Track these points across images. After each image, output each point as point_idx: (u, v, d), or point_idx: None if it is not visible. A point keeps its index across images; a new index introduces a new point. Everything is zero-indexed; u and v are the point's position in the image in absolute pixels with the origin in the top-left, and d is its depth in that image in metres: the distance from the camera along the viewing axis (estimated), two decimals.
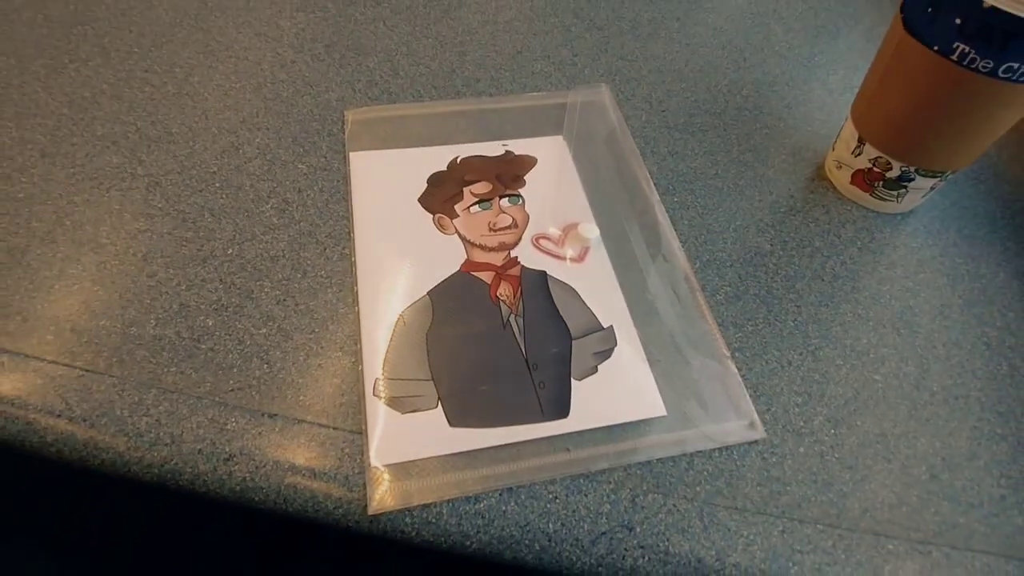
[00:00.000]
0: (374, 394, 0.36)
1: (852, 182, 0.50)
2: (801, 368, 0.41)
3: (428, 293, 0.41)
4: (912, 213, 0.50)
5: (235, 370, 0.37)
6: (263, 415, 0.36)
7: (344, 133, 0.50)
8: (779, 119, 0.56)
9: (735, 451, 0.37)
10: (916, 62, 0.41)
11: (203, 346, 0.38)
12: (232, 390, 0.36)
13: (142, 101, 0.51)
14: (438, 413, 0.36)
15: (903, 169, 0.46)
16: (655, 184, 0.49)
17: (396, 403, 0.36)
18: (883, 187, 0.48)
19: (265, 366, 0.38)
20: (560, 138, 0.52)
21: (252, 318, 0.39)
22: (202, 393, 0.36)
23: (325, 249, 0.43)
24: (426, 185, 0.47)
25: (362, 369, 0.37)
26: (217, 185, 0.46)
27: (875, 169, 0.48)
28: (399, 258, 0.43)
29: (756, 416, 0.38)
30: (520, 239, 0.45)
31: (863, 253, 0.47)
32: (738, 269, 0.45)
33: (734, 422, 0.37)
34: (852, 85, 0.60)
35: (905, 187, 0.47)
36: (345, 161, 0.49)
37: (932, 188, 0.48)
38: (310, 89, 0.54)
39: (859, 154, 0.48)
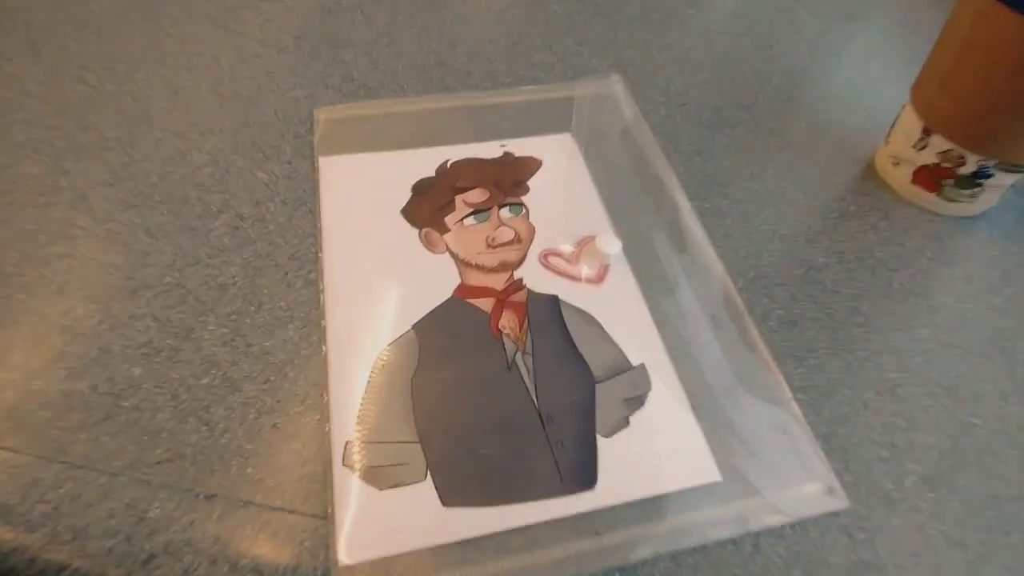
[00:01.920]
0: (344, 464, 0.28)
1: (914, 180, 0.42)
2: (881, 411, 0.33)
3: (413, 327, 0.33)
4: (985, 216, 0.43)
5: (164, 435, 0.29)
6: (198, 496, 0.27)
7: (313, 135, 0.43)
8: (817, 111, 0.49)
9: (812, 526, 0.29)
10: (1002, 32, 0.34)
11: (125, 404, 0.30)
12: (159, 462, 0.28)
13: (74, 102, 0.43)
14: (427, 488, 0.28)
15: (980, 164, 0.39)
16: (682, 188, 0.41)
17: (373, 475, 0.28)
18: (954, 186, 0.40)
19: (204, 428, 0.29)
20: (568, 136, 0.44)
21: (191, 365, 0.31)
22: (119, 467, 0.28)
23: (286, 274, 0.35)
24: (411, 194, 0.39)
25: (329, 430, 0.29)
26: (157, 198, 0.38)
27: (944, 165, 0.40)
28: (378, 284, 0.35)
29: (834, 478, 0.30)
30: (525, 257, 0.37)
31: (934, 265, 0.39)
32: (790, 288, 0.37)
33: (807, 486, 0.29)
34: (894, 73, 0.52)
35: (981, 185, 0.40)
36: (314, 168, 0.41)
37: (1012, 186, 0.40)
38: (274, 86, 0.46)
39: (923, 147, 0.40)
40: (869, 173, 0.45)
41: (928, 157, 0.40)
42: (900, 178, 0.43)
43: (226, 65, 0.47)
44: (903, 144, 0.42)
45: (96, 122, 0.42)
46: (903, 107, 0.42)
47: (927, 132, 0.40)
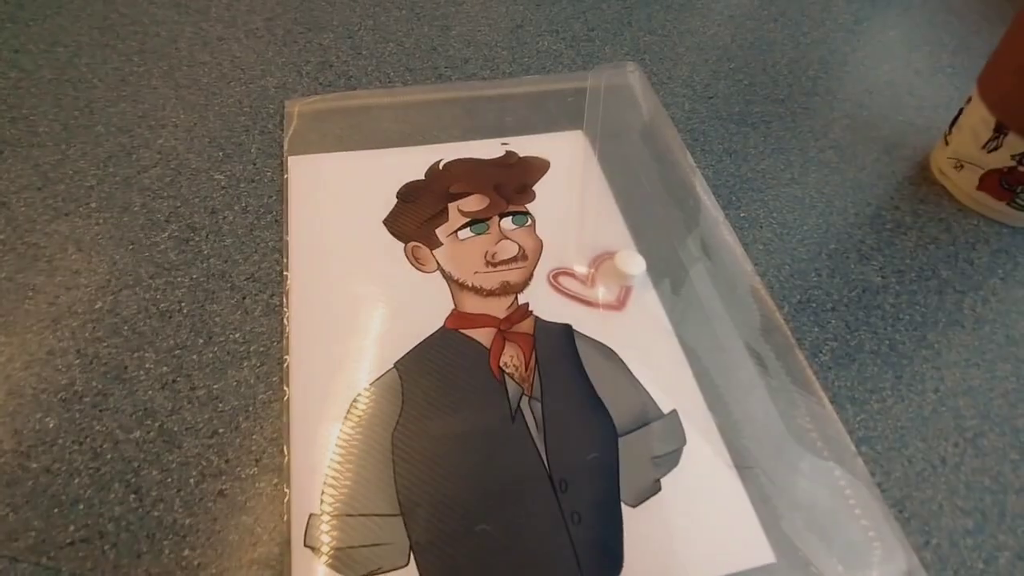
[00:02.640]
0: (307, 544, 0.22)
1: (981, 187, 0.36)
2: (961, 468, 0.27)
3: (396, 365, 0.27)
4: None
5: (81, 507, 0.23)
6: None
7: (283, 130, 0.37)
8: (860, 107, 0.43)
9: None
10: None
11: (33, 465, 0.24)
12: (71, 543, 0.22)
13: (3, 90, 0.37)
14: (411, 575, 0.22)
15: None
16: (714, 194, 0.36)
17: (344, 559, 0.22)
18: None
19: (132, 497, 0.23)
20: (580, 133, 0.38)
21: (120, 414, 0.25)
22: (20, 550, 0.22)
23: (244, 299, 0.29)
24: (396, 201, 0.33)
25: (289, 499, 0.23)
26: (92, 205, 0.32)
27: (1020, 168, 0.34)
28: (354, 311, 0.29)
29: (914, 556, 0.24)
30: (531, 277, 0.31)
31: (1010, 286, 0.34)
32: (843, 314, 0.32)
33: (879, 568, 0.24)
34: (944, 64, 0.47)
35: None
36: (282, 168, 0.35)
37: None
38: (240, 73, 0.40)
39: (996, 148, 0.35)
40: (924, 177, 0.39)
41: (1001, 159, 0.35)
42: (964, 183, 0.37)
43: (184, 49, 0.41)
44: (969, 144, 0.36)
45: (27, 113, 0.36)
46: (967, 102, 0.37)
47: (1000, 130, 0.34)
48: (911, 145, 0.41)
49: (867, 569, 0.24)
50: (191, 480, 0.24)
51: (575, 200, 0.34)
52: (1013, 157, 0.34)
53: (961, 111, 0.37)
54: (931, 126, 0.42)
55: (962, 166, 0.37)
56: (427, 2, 0.47)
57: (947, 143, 0.38)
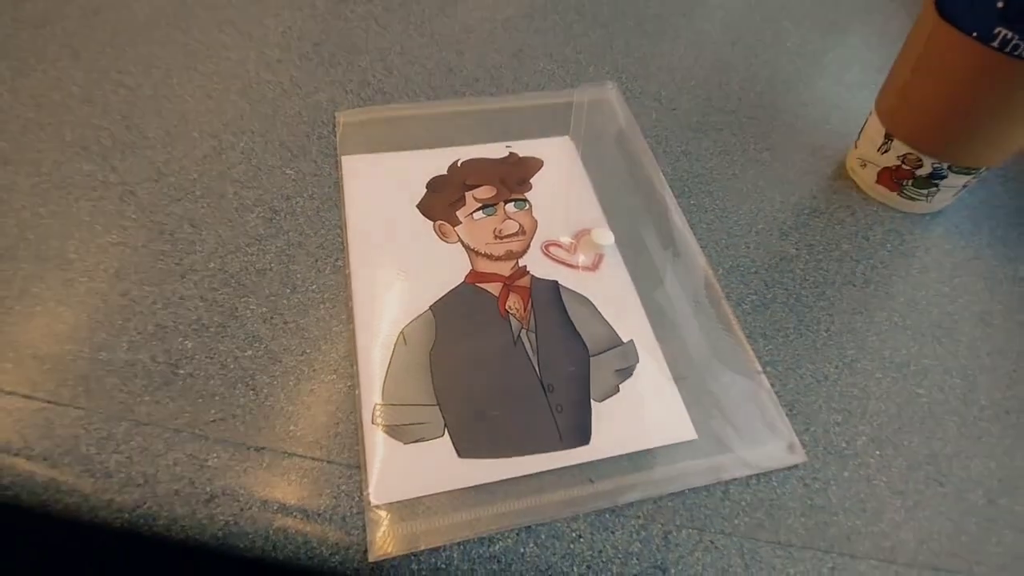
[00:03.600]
0: (373, 423, 0.33)
1: (878, 181, 0.47)
2: (838, 383, 0.37)
3: (431, 307, 0.37)
4: (941, 213, 0.47)
5: (217, 398, 0.33)
6: (249, 449, 0.32)
7: (335, 136, 0.47)
8: (796, 117, 0.53)
9: (774, 477, 0.33)
10: (952, 50, 0.39)
11: (181, 372, 0.34)
12: (214, 421, 0.33)
13: (116, 104, 0.47)
14: (445, 443, 0.32)
15: (935, 166, 0.43)
16: (670, 186, 0.46)
17: (397, 432, 0.32)
18: (912, 186, 0.45)
19: (251, 393, 0.34)
20: (567, 138, 0.48)
21: (236, 339, 0.36)
22: (180, 425, 0.32)
23: (316, 261, 0.40)
24: (425, 190, 0.44)
25: (359, 394, 0.34)
26: (198, 193, 0.42)
27: (904, 167, 0.45)
28: (398, 270, 0.39)
29: (795, 437, 0.34)
30: (528, 247, 0.41)
31: (894, 257, 0.44)
32: (763, 275, 0.42)
33: (771, 445, 0.34)
34: (868, 81, 0.57)
35: (936, 185, 0.44)
36: (337, 166, 0.45)
37: (964, 186, 0.45)
38: (298, 90, 0.50)
39: (886, 151, 0.45)
40: (840, 174, 0.49)
41: (890, 160, 0.45)
42: (866, 178, 0.47)
43: (252, 70, 0.51)
44: (869, 148, 0.46)
45: (138, 122, 0.46)
46: (869, 114, 0.47)
47: (889, 137, 0.44)
48: (833, 148, 0.51)
49: (762, 445, 0.34)
50: (290, 382, 0.34)
51: (562, 189, 0.45)
52: (898, 157, 0.44)
53: (865, 122, 0.48)
54: (850, 133, 0.52)
55: (865, 165, 0.47)
56: (445, 31, 0.57)
57: (856, 146, 0.48)
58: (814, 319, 0.40)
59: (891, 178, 0.46)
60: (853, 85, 0.57)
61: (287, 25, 0.56)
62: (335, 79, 0.51)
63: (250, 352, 0.35)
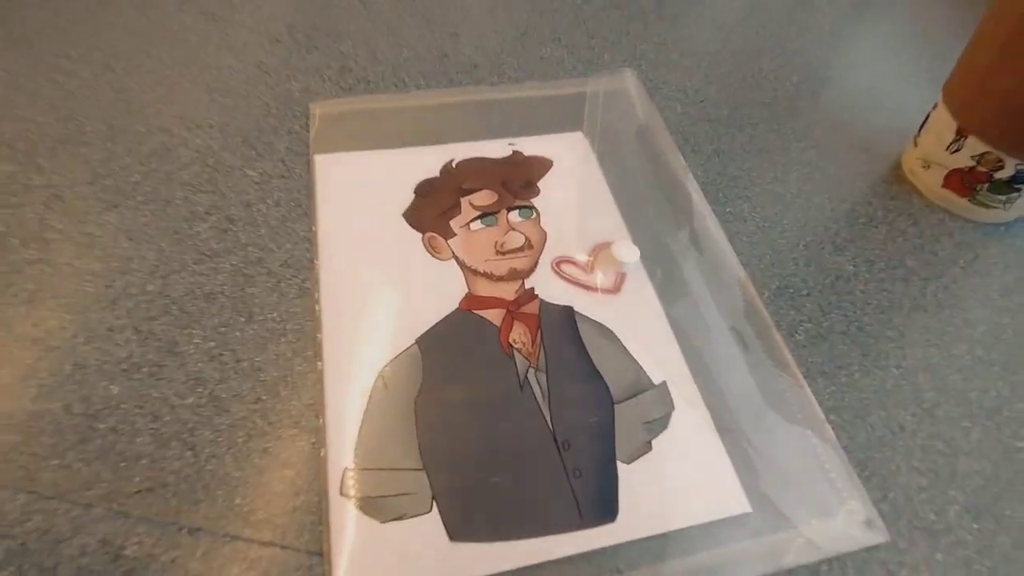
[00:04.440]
0: (342, 493, 0.26)
1: (945, 185, 0.40)
2: (918, 434, 0.30)
3: (417, 341, 0.30)
4: (1017, 222, 0.40)
5: (144, 462, 0.26)
6: (181, 530, 0.25)
7: (309, 131, 0.40)
8: (841, 109, 0.46)
9: (851, 562, 0.26)
10: None
11: (102, 426, 0.27)
12: (138, 492, 0.26)
13: (49, 93, 0.40)
14: (433, 521, 0.25)
15: (1020, 168, 0.36)
16: (702, 190, 0.39)
17: (374, 507, 0.25)
18: (988, 190, 0.38)
19: (188, 453, 0.27)
20: (580, 134, 0.41)
21: (174, 383, 0.29)
22: (93, 498, 0.25)
23: (279, 283, 0.33)
24: (413, 196, 0.37)
25: (325, 455, 0.27)
26: (139, 198, 0.35)
27: (979, 168, 0.38)
28: (378, 293, 0.32)
29: (873, 509, 0.27)
30: (536, 264, 0.34)
31: (968, 275, 0.37)
32: (817, 298, 0.35)
33: (843, 518, 0.27)
34: (922, 69, 0.50)
35: (1019, 190, 0.38)
36: (309, 167, 0.38)
37: None
38: (267, 77, 0.43)
39: (957, 150, 0.38)
40: (896, 176, 0.42)
41: (962, 160, 0.38)
42: (930, 182, 0.40)
43: (213, 54, 0.44)
44: (934, 146, 0.40)
45: (74, 114, 0.39)
46: (934, 107, 0.40)
47: (961, 134, 0.38)
48: (886, 146, 0.44)
49: (831, 518, 0.27)
50: (239, 439, 0.27)
51: (575, 195, 0.38)
52: (973, 158, 0.38)
53: (928, 116, 0.41)
54: (906, 128, 0.45)
55: (929, 166, 0.40)
56: (438, 10, 0.50)
57: (916, 145, 0.41)
58: (882, 353, 0.33)
59: (962, 181, 0.39)
60: (901, 75, 0.50)
61: (258, 5, 0.49)
62: (311, 65, 0.44)
63: (191, 399, 0.28)
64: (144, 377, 0.29)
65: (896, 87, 0.49)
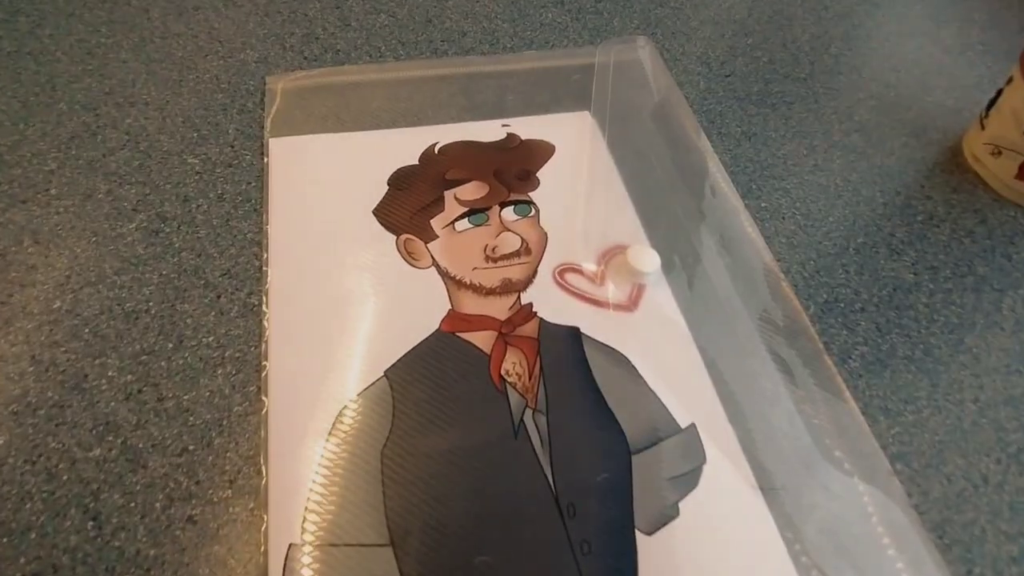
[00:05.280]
0: None
1: (1020, 175, 0.34)
2: (1004, 488, 0.25)
3: (386, 373, 0.24)
4: None
5: (33, 536, 0.21)
6: None
7: (264, 110, 0.34)
8: (886, 87, 0.40)
9: None
10: None
11: None
12: None
13: None
14: None
15: None
16: (732, 181, 0.33)
17: None
18: None
19: (90, 525, 0.21)
20: (587, 114, 0.35)
21: (79, 429, 0.23)
22: None
23: (219, 297, 0.27)
24: (387, 188, 0.31)
25: (267, 527, 0.21)
26: (52, 192, 0.29)
27: None
28: (340, 311, 0.26)
29: None
30: (535, 273, 0.28)
31: None
32: (873, 314, 0.29)
33: None
34: (975, 41, 0.44)
35: None
36: (263, 152, 0.32)
37: None
38: (217, 46, 0.37)
39: None
40: (956, 163, 0.36)
41: None
42: (1002, 171, 0.34)
43: (157, 19, 0.38)
44: (1008, 129, 0.33)
45: None
46: (1008, 82, 0.34)
47: None
48: (941, 128, 0.38)
49: None
50: (157, 504, 0.21)
51: (582, 188, 0.32)
52: None
53: (1000, 92, 0.34)
54: (962, 108, 0.39)
55: (1000, 152, 0.34)
56: None
57: (983, 127, 0.35)
58: (954, 383, 0.27)
59: None
60: (954, 46, 0.43)
61: None
62: (270, 31, 0.38)
63: (97, 451, 0.22)
64: (40, 421, 0.23)
65: (947, 60, 0.42)
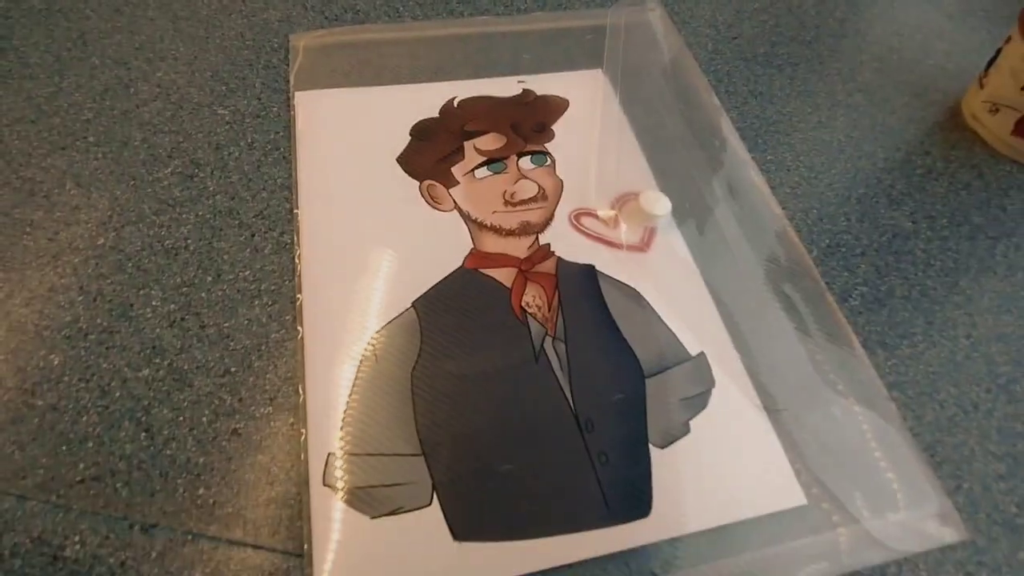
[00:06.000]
0: (326, 483, 0.22)
1: (1016, 131, 0.35)
2: (994, 414, 0.26)
3: (414, 304, 0.26)
4: None
5: (90, 445, 0.22)
6: (133, 527, 0.21)
7: (290, 66, 0.35)
8: (889, 49, 0.41)
9: (923, 564, 0.22)
10: None
11: (39, 402, 0.23)
12: (82, 481, 0.21)
13: None
14: (434, 516, 0.21)
15: None
16: (739, 136, 0.34)
17: (364, 499, 0.21)
18: None
19: (143, 435, 0.23)
20: (599, 72, 0.36)
21: (127, 352, 0.24)
22: (29, 488, 0.21)
23: (253, 236, 0.28)
24: (409, 139, 0.32)
25: (306, 438, 0.23)
26: (91, 139, 0.31)
27: None
28: (368, 249, 0.28)
29: (947, 500, 0.23)
30: (552, 217, 0.30)
31: None
32: (873, 259, 0.31)
33: (913, 511, 0.23)
34: (975, 7, 0.45)
35: None
36: (288, 105, 0.33)
37: None
38: (240, 5, 0.38)
39: None
40: (955, 122, 0.37)
41: None
42: (998, 128, 0.36)
43: None
44: (1006, 87, 0.35)
45: (17, 45, 0.34)
46: (1006, 41, 0.35)
47: None
48: (941, 90, 0.39)
49: (899, 511, 0.23)
50: (203, 419, 0.23)
51: (595, 140, 0.33)
52: None
53: (999, 51, 0.36)
54: (962, 71, 0.40)
55: (998, 109, 0.35)
56: None
57: (982, 86, 0.36)
58: (949, 320, 0.29)
59: None
60: (956, 12, 0.44)
61: None
62: None
63: (146, 371, 0.24)
64: (91, 345, 0.24)
65: (949, 25, 0.43)
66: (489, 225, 0.29)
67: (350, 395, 0.24)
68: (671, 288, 0.28)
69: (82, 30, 0.35)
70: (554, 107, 0.34)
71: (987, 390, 0.27)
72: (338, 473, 0.22)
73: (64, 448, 0.22)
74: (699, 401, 0.25)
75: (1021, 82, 0.34)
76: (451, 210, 0.29)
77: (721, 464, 0.23)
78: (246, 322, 0.25)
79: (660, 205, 0.29)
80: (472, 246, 0.28)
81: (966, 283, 0.30)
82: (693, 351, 0.26)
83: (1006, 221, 0.33)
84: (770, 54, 0.40)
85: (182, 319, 0.25)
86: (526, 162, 0.31)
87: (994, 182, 0.35)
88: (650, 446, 0.23)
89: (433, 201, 0.29)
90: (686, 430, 0.24)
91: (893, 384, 0.27)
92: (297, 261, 0.27)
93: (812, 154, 0.35)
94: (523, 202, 0.30)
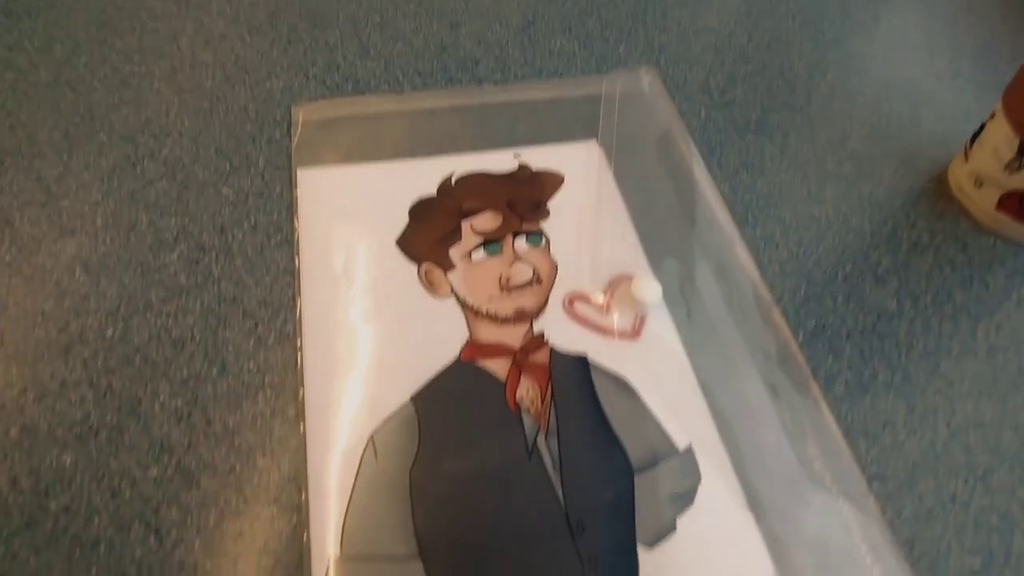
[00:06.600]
0: None
1: (1000, 207, 0.36)
2: (970, 507, 0.27)
3: (412, 399, 0.27)
4: None
5: (102, 548, 0.23)
6: None
7: (291, 139, 0.36)
8: (878, 116, 0.42)
9: None
10: None
11: (53, 504, 0.24)
12: None
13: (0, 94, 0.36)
14: None
15: None
16: (730, 211, 0.35)
17: None
18: None
19: (152, 538, 0.23)
20: (594, 143, 0.37)
21: (136, 450, 0.25)
22: None
23: (256, 326, 0.29)
24: (408, 219, 0.33)
25: (308, 540, 0.24)
26: (99, 223, 0.31)
27: None
28: (369, 339, 0.28)
29: None
30: (546, 302, 0.30)
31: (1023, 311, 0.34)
32: (858, 342, 0.32)
33: None
34: (965, 69, 0.46)
35: None
36: (291, 182, 0.34)
37: None
38: (244, 75, 0.39)
39: (1019, 168, 0.34)
40: (942, 192, 0.38)
41: (1023, 181, 0.34)
42: (983, 202, 0.37)
43: (186, 48, 0.40)
44: (990, 162, 0.36)
45: (25, 120, 0.35)
46: (990, 118, 0.36)
47: None
48: (929, 157, 0.40)
49: None
50: (210, 520, 0.24)
51: (589, 218, 0.34)
52: None
53: (983, 126, 0.37)
54: (949, 138, 0.41)
55: (981, 183, 0.36)
56: None
57: (967, 159, 0.37)
58: (930, 407, 0.30)
59: (1021, 204, 0.35)
60: (944, 75, 0.45)
61: None
62: (293, 61, 0.40)
63: (155, 471, 0.25)
64: (102, 443, 0.25)
65: (938, 89, 0.44)
66: (485, 312, 0.30)
67: (351, 495, 0.24)
68: (660, 378, 0.29)
69: (90, 103, 0.36)
70: (549, 183, 0.35)
71: (965, 480, 0.28)
72: None
73: (77, 552, 0.23)
74: (686, 497, 0.26)
75: (1004, 161, 0.35)
76: (447, 296, 0.30)
77: (706, 563, 0.24)
78: (251, 417, 0.26)
79: (651, 292, 0.30)
80: (468, 335, 0.29)
81: (947, 366, 0.31)
82: (681, 444, 0.27)
83: (988, 300, 0.34)
84: (762, 121, 0.41)
85: (189, 414, 0.26)
86: (521, 243, 0.32)
87: (977, 256, 0.36)
88: (639, 546, 0.24)
89: (431, 287, 0.30)
90: (673, 527, 0.25)
91: (874, 476, 0.28)
92: (299, 352, 0.28)
93: (801, 229, 0.36)
94: (518, 287, 0.31)
